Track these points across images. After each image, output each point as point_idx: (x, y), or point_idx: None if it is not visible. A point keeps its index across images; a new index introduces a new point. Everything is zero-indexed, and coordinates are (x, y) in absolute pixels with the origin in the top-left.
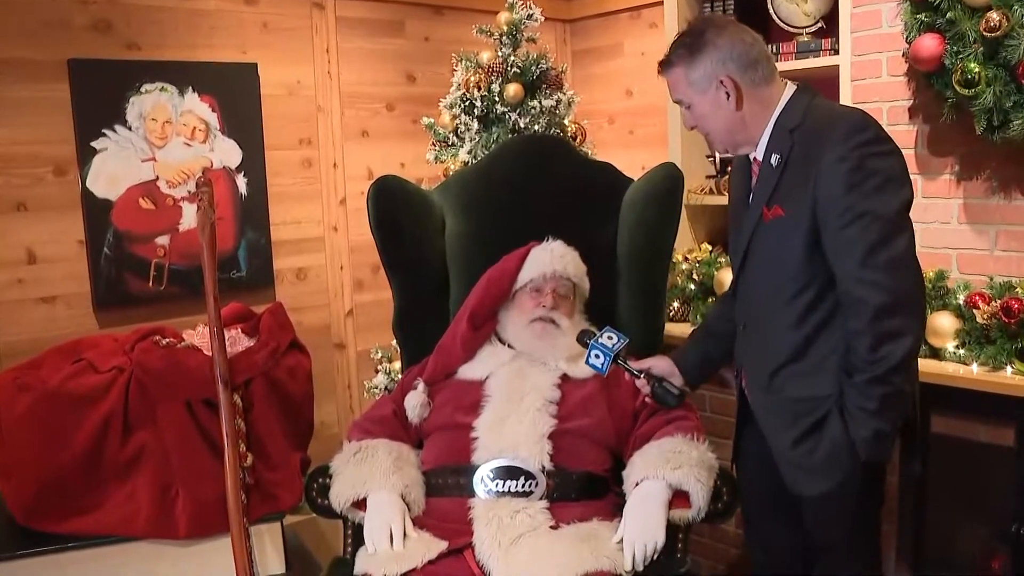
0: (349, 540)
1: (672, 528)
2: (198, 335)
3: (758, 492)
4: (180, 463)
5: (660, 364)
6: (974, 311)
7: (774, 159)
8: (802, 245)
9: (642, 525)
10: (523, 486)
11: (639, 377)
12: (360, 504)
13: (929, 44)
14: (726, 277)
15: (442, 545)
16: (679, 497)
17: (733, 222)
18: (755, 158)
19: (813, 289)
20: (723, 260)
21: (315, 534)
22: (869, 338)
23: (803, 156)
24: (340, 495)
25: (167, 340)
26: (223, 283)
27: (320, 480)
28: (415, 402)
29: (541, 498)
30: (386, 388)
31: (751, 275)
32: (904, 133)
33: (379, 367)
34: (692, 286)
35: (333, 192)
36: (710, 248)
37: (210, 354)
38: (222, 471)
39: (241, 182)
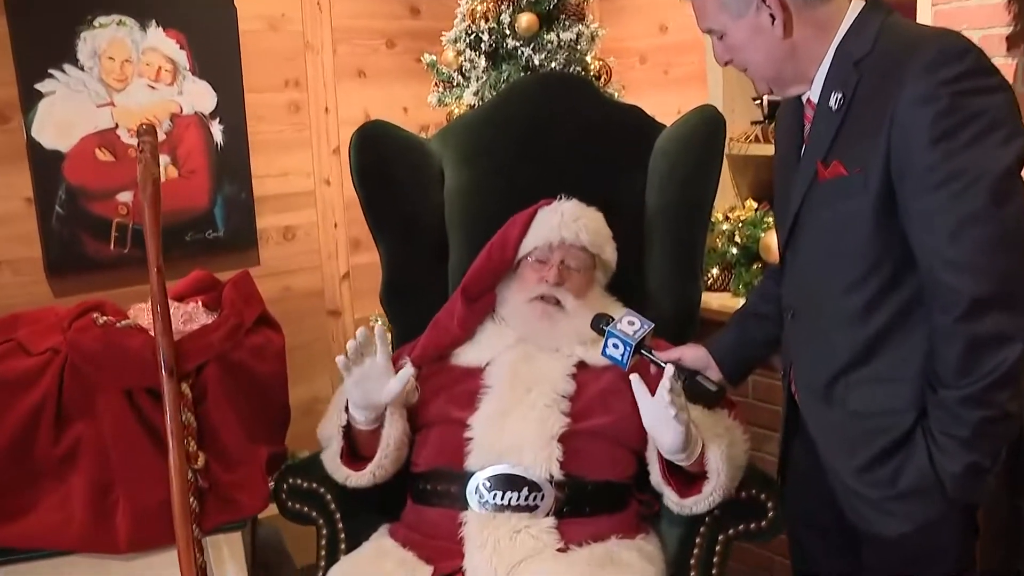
0: (323, 552)
1: (708, 547)
2: (147, 311)
3: (808, 513)
4: (120, 463)
5: (693, 353)
6: None
7: (834, 100)
8: (871, 213)
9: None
10: (526, 499)
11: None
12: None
13: None
14: (774, 240)
15: (427, 571)
16: (698, 482)
17: (779, 181)
18: (808, 99)
19: (885, 271)
20: (771, 220)
21: (299, 529)
22: (961, 342)
23: (873, 95)
24: (328, 441)
25: (105, 318)
26: (197, 245)
27: (291, 480)
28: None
29: (548, 514)
30: None
31: (802, 251)
32: (1000, 68)
33: None
34: (734, 250)
35: (325, 140)
36: (755, 206)
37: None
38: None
39: (216, 130)
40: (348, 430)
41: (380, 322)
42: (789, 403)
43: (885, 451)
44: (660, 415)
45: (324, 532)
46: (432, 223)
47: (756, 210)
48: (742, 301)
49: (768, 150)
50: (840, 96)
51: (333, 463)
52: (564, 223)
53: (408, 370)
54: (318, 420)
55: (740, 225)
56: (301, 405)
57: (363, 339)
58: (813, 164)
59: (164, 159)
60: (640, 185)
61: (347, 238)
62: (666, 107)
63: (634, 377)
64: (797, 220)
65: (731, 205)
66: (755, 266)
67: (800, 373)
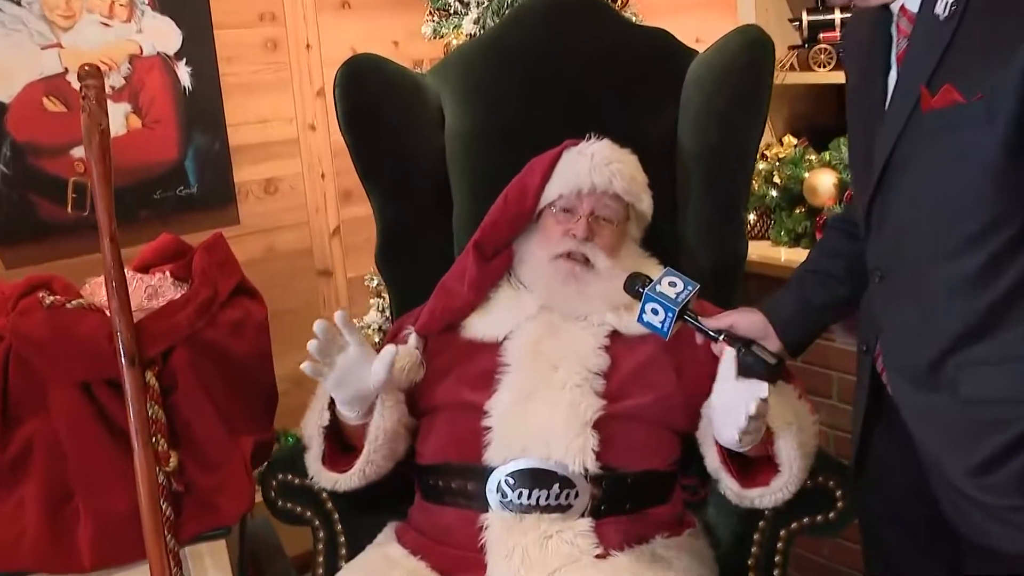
0: (320, 558)
1: (768, 544)
2: (103, 287)
3: (894, 511)
4: (79, 468)
5: (747, 320)
6: None
7: (942, 6)
8: (997, 151)
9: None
10: (557, 498)
11: (717, 340)
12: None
13: None
14: (820, 181)
15: None
16: (762, 470)
17: (856, 115)
18: (903, 7)
19: (1012, 224)
20: (813, 158)
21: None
22: None
23: None
24: (310, 441)
25: (53, 298)
26: (168, 203)
27: (280, 476)
28: (402, 356)
29: (583, 514)
30: (380, 328)
31: (896, 200)
32: None
33: (374, 299)
34: (773, 193)
35: (307, 81)
36: (794, 142)
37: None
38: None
39: (183, 72)
40: (331, 430)
41: (375, 281)
42: (873, 381)
43: (1010, 449)
44: (737, 404)
45: (321, 535)
46: (432, 171)
47: (796, 147)
48: (783, 251)
49: (808, 78)
50: (951, 1)
51: (316, 467)
52: (595, 167)
53: (390, 349)
54: (310, 393)
55: (778, 164)
56: (291, 376)
57: (325, 335)
58: (914, 90)
59: (124, 107)
60: (669, 121)
61: (336, 189)
62: (683, 34)
63: (728, 353)
64: (890, 162)
65: (767, 142)
66: (797, 211)
67: (892, 349)
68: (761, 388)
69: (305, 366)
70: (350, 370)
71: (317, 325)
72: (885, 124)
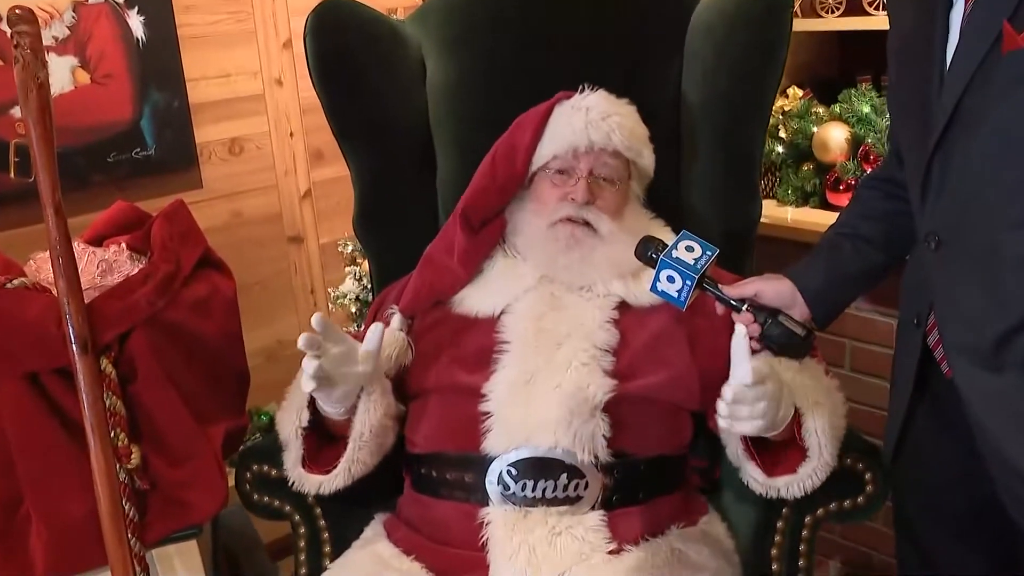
0: (303, 557)
1: (792, 533)
2: (49, 264)
3: (935, 499)
4: (29, 469)
5: (772, 288)
6: None
7: None
8: None
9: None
10: (564, 489)
11: (741, 310)
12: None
13: None
14: (831, 136)
15: None
16: (788, 455)
17: (904, 61)
18: None
19: None
20: (821, 111)
21: None
22: None
23: None
24: (286, 443)
25: None
26: (123, 167)
27: (255, 467)
28: (387, 344)
29: (594, 506)
30: (357, 298)
31: (964, 158)
32: None
33: (349, 267)
34: (779, 148)
35: (272, 31)
36: (800, 94)
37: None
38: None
39: (135, 22)
40: (311, 429)
41: (350, 247)
42: (924, 357)
43: None
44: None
45: (302, 531)
46: (414, 128)
47: (801, 99)
48: (790, 210)
49: (815, 25)
50: None
51: (296, 472)
52: (591, 122)
53: (377, 328)
54: (283, 367)
55: (783, 117)
56: (263, 351)
57: (312, 348)
58: (991, 28)
59: (71, 61)
60: (674, 72)
61: (306, 149)
62: None
63: (739, 330)
64: (956, 114)
65: None
66: (805, 167)
67: (949, 323)
68: (744, 374)
69: (306, 389)
70: (336, 371)
71: (303, 341)
72: (951, 70)
